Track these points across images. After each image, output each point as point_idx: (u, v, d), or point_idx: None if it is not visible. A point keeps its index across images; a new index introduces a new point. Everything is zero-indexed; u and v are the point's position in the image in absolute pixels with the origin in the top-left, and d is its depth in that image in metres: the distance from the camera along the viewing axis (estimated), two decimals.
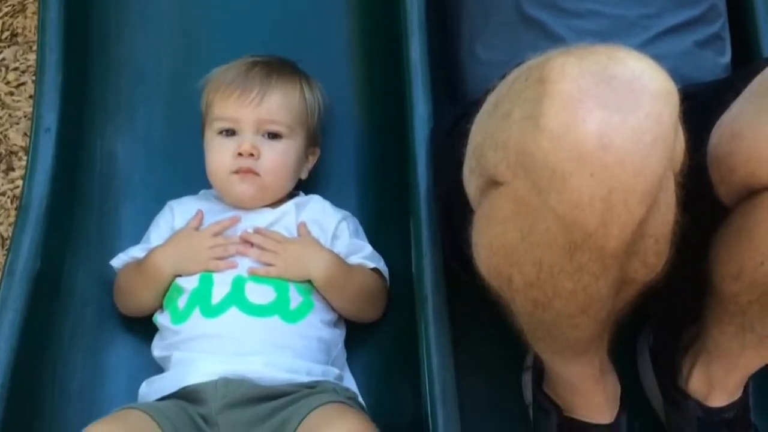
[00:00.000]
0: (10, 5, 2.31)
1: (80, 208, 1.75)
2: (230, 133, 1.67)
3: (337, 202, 1.75)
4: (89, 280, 1.71)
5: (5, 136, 2.17)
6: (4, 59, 2.26)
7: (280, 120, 1.67)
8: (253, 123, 1.65)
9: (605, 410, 1.48)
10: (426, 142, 1.63)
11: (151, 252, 1.65)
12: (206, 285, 1.59)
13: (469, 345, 1.63)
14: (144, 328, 1.66)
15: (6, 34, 2.28)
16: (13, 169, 2.14)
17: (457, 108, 1.66)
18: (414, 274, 1.59)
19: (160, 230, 1.70)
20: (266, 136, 1.66)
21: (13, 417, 1.49)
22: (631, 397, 1.53)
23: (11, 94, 2.22)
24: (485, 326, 1.58)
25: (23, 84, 2.23)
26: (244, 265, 1.61)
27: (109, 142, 1.83)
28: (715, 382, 1.47)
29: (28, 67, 2.23)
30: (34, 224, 1.62)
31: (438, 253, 1.57)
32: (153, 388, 1.55)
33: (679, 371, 1.51)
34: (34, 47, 2.13)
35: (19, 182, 2.05)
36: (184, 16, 1.94)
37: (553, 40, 1.51)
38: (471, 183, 1.28)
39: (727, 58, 1.65)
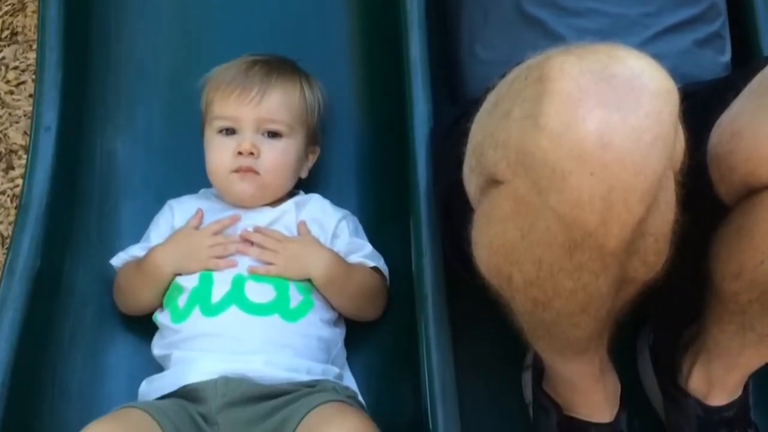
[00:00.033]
0: (9, 4, 2.31)
1: (80, 207, 1.75)
2: (230, 131, 1.67)
3: (337, 200, 1.75)
4: (89, 279, 1.71)
5: (5, 134, 2.17)
6: (4, 58, 2.26)
7: (280, 119, 1.67)
8: (253, 122, 1.65)
9: (605, 409, 1.48)
10: (426, 140, 1.63)
11: (151, 251, 1.65)
12: (206, 284, 1.59)
13: (469, 344, 1.63)
14: (144, 326, 1.66)
15: (6, 32, 2.28)
16: (13, 168, 2.14)
17: (457, 107, 1.66)
18: (414, 273, 1.59)
19: (159, 229, 1.70)
20: (266, 134, 1.66)
21: (13, 416, 1.49)
22: (631, 396, 1.53)
23: (11, 92, 2.22)
24: (485, 325, 1.58)
25: (23, 83, 2.23)
26: (244, 263, 1.61)
27: (109, 140, 1.83)
28: (715, 381, 1.47)
29: (28, 65, 2.23)
30: (34, 223, 1.62)
31: (438, 252, 1.57)
32: (153, 387, 1.55)
33: (679, 370, 1.51)
34: (34, 46, 2.13)
35: (19, 181, 2.05)
36: (183, 15, 1.94)
37: (553, 38, 1.51)
38: (471, 182, 1.28)
39: (727, 56, 1.65)
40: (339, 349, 1.64)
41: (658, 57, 1.08)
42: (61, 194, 1.68)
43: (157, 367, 1.61)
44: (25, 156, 1.92)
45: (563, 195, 1.07)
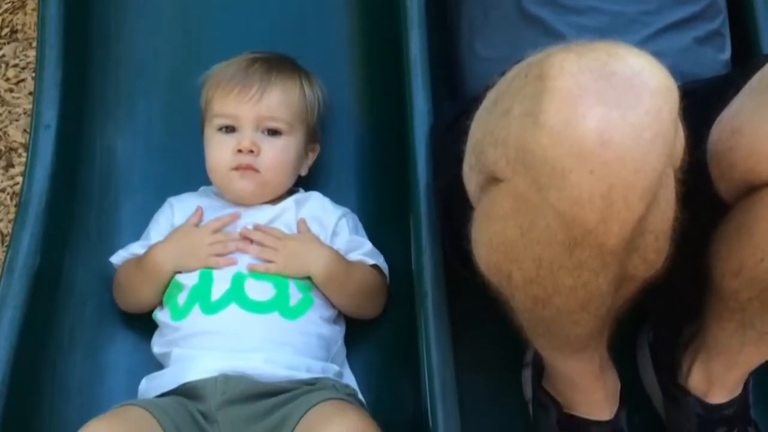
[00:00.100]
0: (9, 2, 2.31)
1: (80, 204, 1.75)
2: (230, 129, 1.66)
3: (337, 198, 1.75)
4: (89, 276, 1.71)
5: (5, 132, 2.17)
6: (3, 56, 2.26)
7: (279, 117, 1.67)
8: (253, 120, 1.65)
9: (605, 407, 1.48)
10: (426, 138, 1.63)
11: (150, 248, 1.65)
12: (206, 282, 1.59)
13: (469, 341, 1.63)
14: (144, 324, 1.66)
15: (6, 30, 2.28)
16: (12, 166, 2.14)
17: (456, 105, 1.66)
18: (414, 271, 1.59)
19: (159, 227, 1.70)
20: (266, 132, 1.66)
21: (13, 413, 1.49)
22: (631, 394, 1.53)
23: (11, 90, 2.22)
24: (485, 323, 1.58)
25: (23, 81, 2.23)
26: (244, 261, 1.61)
27: (109, 138, 1.83)
28: (715, 379, 1.47)
29: (28, 63, 2.23)
30: (34, 221, 1.62)
31: (438, 250, 1.57)
32: (153, 385, 1.55)
33: (678, 368, 1.51)
34: (34, 44, 2.13)
35: (19, 179, 2.05)
36: (183, 13, 1.94)
37: (552, 36, 1.51)
38: (471, 180, 1.28)
39: (727, 54, 1.65)
40: (339, 347, 1.64)
41: (658, 55, 1.08)
42: (60, 192, 1.68)
43: (156, 364, 1.61)
44: (24, 154, 1.92)
45: (563, 193, 1.07)
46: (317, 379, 1.53)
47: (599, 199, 1.06)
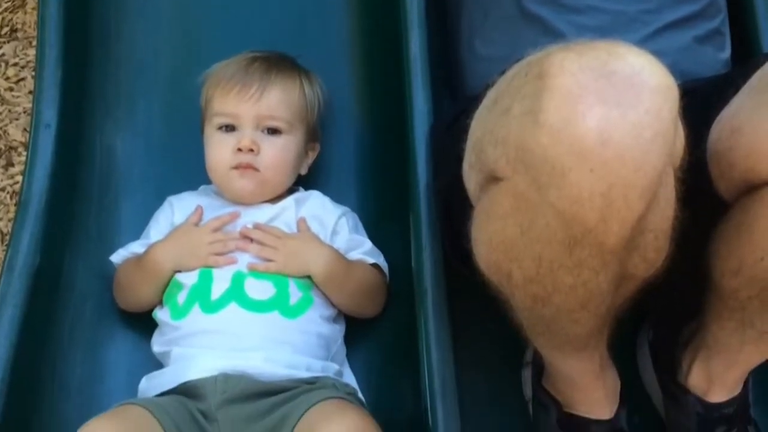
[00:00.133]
0: (9, 1, 2.31)
1: (80, 203, 1.76)
2: (230, 128, 1.66)
3: (337, 197, 1.75)
4: (89, 275, 1.71)
5: (5, 131, 2.17)
6: (3, 55, 2.26)
7: (279, 115, 1.67)
8: (253, 118, 1.65)
9: (605, 405, 1.48)
10: (426, 137, 1.63)
11: (150, 247, 1.65)
12: (206, 281, 1.59)
13: (469, 340, 1.63)
14: (143, 323, 1.66)
15: (6, 29, 2.28)
16: (12, 165, 2.14)
17: (456, 104, 1.66)
18: (414, 270, 1.59)
19: (159, 226, 1.70)
20: (266, 131, 1.66)
21: (13, 412, 1.49)
22: (631, 393, 1.53)
23: (11, 89, 2.22)
24: (485, 321, 1.58)
25: (23, 79, 2.23)
26: (244, 260, 1.61)
27: (109, 137, 1.83)
28: (715, 378, 1.47)
29: (28, 62, 2.23)
30: (34, 220, 1.62)
31: (438, 249, 1.57)
32: (152, 384, 1.55)
33: (678, 366, 1.51)
34: (34, 43, 2.13)
35: (19, 178, 2.05)
36: (183, 12, 1.94)
37: (552, 35, 1.51)
38: (470, 178, 1.27)
39: (726, 53, 1.65)
40: (339, 346, 1.64)
41: (657, 54, 1.08)
42: (60, 191, 1.68)
43: (156, 363, 1.61)
44: (24, 153, 1.92)
45: (563, 191, 1.07)
46: (317, 378, 1.53)
47: (599, 197, 1.06)
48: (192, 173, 1.75)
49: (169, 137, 1.85)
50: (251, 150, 1.64)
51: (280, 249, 1.61)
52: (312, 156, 1.75)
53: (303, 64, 1.76)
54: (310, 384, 1.51)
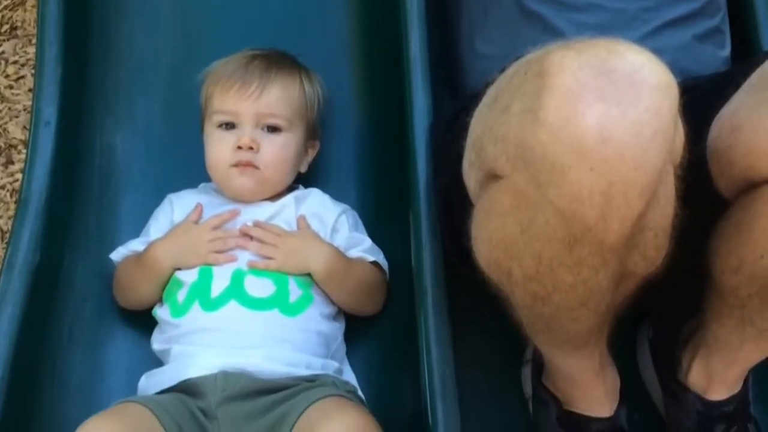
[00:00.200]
0: None
1: (80, 201, 1.75)
2: (230, 126, 1.66)
3: (337, 195, 1.75)
4: (89, 273, 1.71)
5: (5, 129, 2.17)
6: (3, 52, 2.26)
7: (279, 113, 1.66)
8: (253, 116, 1.65)
9: (605, 403, 1.49)
10: (426, 135, 1.63)
11: (150, 245, 1.65)
12: (206, 278, 1.59)
13: (469, 338, 1.63)
14: (143, 321, 1.66)
15: (5, 27, 2.28)
16: (12, 163, 2.14)
17: (456, 101, 1.66)
18: (413, 268, 1.59)
19: (159, 223, 1.70)
20: (266, 129, 1.66)
21: (13, 411, 1.49)
22: (631, 391, 1.54)
23: (11, 87, 2.22)
24: (485, 319, 1.58)
25: (23, 77, 2.23)
26: (244, 258, 1.61)
27: (109, 135, 1.83)
28: (715, 376, 1.47)
29: (28, 60, 2.23)
30: (34, 218, 1.62)
31: (437, 247, 1.57)
32: (152, 382, 1.55)
33: (678, 364, 1.51)
34: (34, 40, 2.13)
35: (19, 176, 2.05)
36: (183, 10, 1.94)
37: (552, 33, 1.51)
38: (470, 176, 1.27)
39: (726, 51, 1.64)
40: (338, 344, 1.64)
41: (657, 51, 1.08)
42: (60, 189, 1.68)
43: (156, 361, 1.61)
44: (24, 151, 1.92)
45: (563, 189, 1.07)
46: (317, 375, 1.53)
47: (599, 195, 1.06)
48: (192, 171, 1.75)
49: (169, 135, 1.85)
50: (251, 148, 1.64)
51: (279, 247, 1.61)
52: (312, 154, 1.75)
53: (302, 60, 1.76)
54: (310, 382, 1.51)
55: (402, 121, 1.68)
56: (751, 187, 1.23)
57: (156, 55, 1.91)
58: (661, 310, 1.59)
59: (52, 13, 1.75)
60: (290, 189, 1.72)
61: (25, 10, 2.29)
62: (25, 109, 2.18)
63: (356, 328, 1.68)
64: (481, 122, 1.22)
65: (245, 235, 1.63)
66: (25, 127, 2.14)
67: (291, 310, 1.58)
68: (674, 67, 1.08)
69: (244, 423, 1.46)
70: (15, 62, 2.24)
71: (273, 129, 1.66)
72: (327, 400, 1.43)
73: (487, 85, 1.24)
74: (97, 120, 1.83)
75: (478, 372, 1.66)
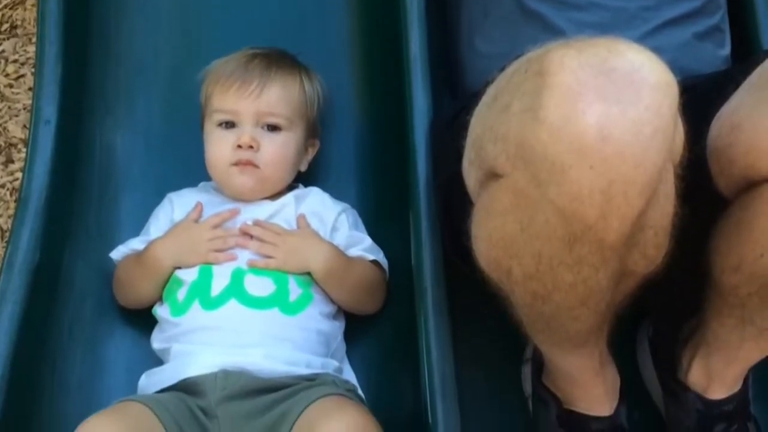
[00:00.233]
0: None
1: (79, 200, 1.75)
2: (230, 125, 1.66)
3: (337, 194, 1.75)
4: (88, 272, 1.71)
5: (4, 128, 2.17)
6: (3, 51, 2.26)
7: (279, 112, 1.66)
8: (253, 115, 1.65)
9: (605, 402, 1.49)
10: (426, 134, 1.63)
11: (150, 244, 1.65)
12: (206, 277, 1.59)
13: (469, 337, 1.63)
14: (143, 320, 1.66)
15: (5, 26, 2.28)
16: (12, 162, 2.14)
17: (456, 101, 1.66)
18: (413, 266, 1.59)
19: (159, 222, 1.71)
20: (266, 128, 1.66)
21: (13, 409, 1.49)
22: (631, 389, 1.54)
23: (10, 86, 2.22)
24: (485, 318, 1.58)
25: (22, 76, 2.23)
26: (244, 257, 1.61)
27: (109, 134, 1.83)
28: (715, 375, 1.47)
29: (28, 59, 2.23)
30: (34, 217, 1.62)
31: (437, 245, 1.57)
32: (152, 381, 1.55)
33: (678, 363, 1.51)
34: (34, 39, 2.13)
35: (19, 174, 2.05)
36: (183, 9, 1.94)
37: (552, 32, 1.51)
38: (470, 175, 1.28)
39: (726, 50, 1.65)
40: (338, 343, 1.64)
41: (657, 50, 1.08)
42: (60, 188, 1.68)
43: (156, 360, 1.61)
44: (24, 149, 1.92)
45: (563, 188, 1.07)
46: (317, 374, 1.53)
47: (599, 194, 1.06)
48: (192, 170, 1.75)
49: (169, 134, 1.85)
50: (251, 147, 1.64)
51: (279, 246, 1.61)
52: (312, 153, 1.75)
53: (302, 59, 1.76)
54: (310, 381, 1.51)
55: (402, 121, 1.68)
56: (750, 185, 1.23)
57: (156, 55, 1.91)
58: (661, 308, 1.59)
59: (52, 11, 1.75)
60: (290, 188, 1.72)
61: (25, 9, 2.29)
62: (25, 108, 2.18)
63: (356, 328, 1.68)
64: (481, 121, 1.22)
65: (245, 233, 1.63)
66: (25, 126, 2.14)
67: (291, 308, 1.58)
68: (674, 66, 1.08)
69: (244, 422, 1.46)
70: (15, 61, 2.24)
71: (273, 128, 1.66)
72: (327, 399, 1.43)
73: (487, 84, 1.24)
74: (97, 119, 1.83)
75: (478, 371, 1.66)
